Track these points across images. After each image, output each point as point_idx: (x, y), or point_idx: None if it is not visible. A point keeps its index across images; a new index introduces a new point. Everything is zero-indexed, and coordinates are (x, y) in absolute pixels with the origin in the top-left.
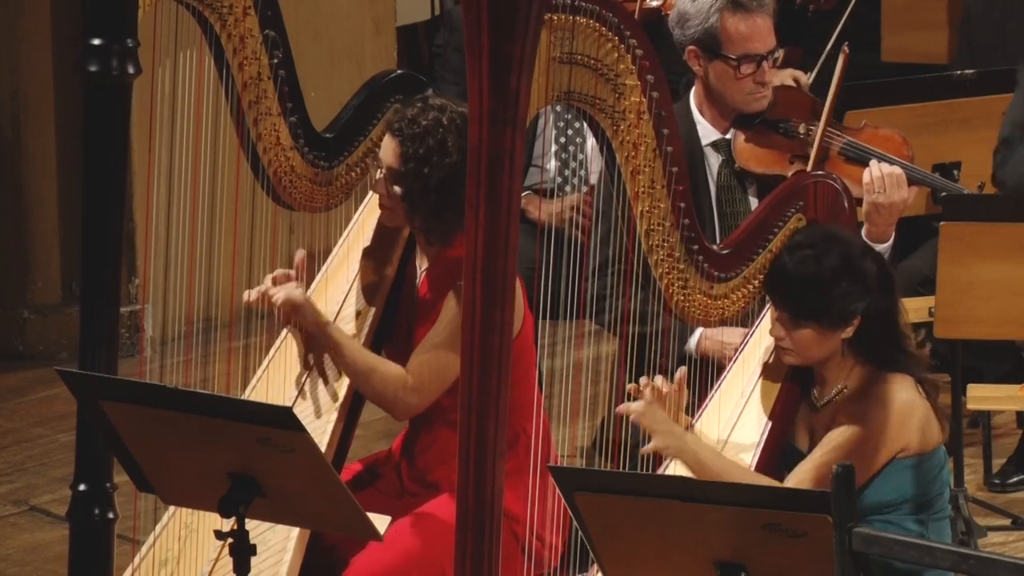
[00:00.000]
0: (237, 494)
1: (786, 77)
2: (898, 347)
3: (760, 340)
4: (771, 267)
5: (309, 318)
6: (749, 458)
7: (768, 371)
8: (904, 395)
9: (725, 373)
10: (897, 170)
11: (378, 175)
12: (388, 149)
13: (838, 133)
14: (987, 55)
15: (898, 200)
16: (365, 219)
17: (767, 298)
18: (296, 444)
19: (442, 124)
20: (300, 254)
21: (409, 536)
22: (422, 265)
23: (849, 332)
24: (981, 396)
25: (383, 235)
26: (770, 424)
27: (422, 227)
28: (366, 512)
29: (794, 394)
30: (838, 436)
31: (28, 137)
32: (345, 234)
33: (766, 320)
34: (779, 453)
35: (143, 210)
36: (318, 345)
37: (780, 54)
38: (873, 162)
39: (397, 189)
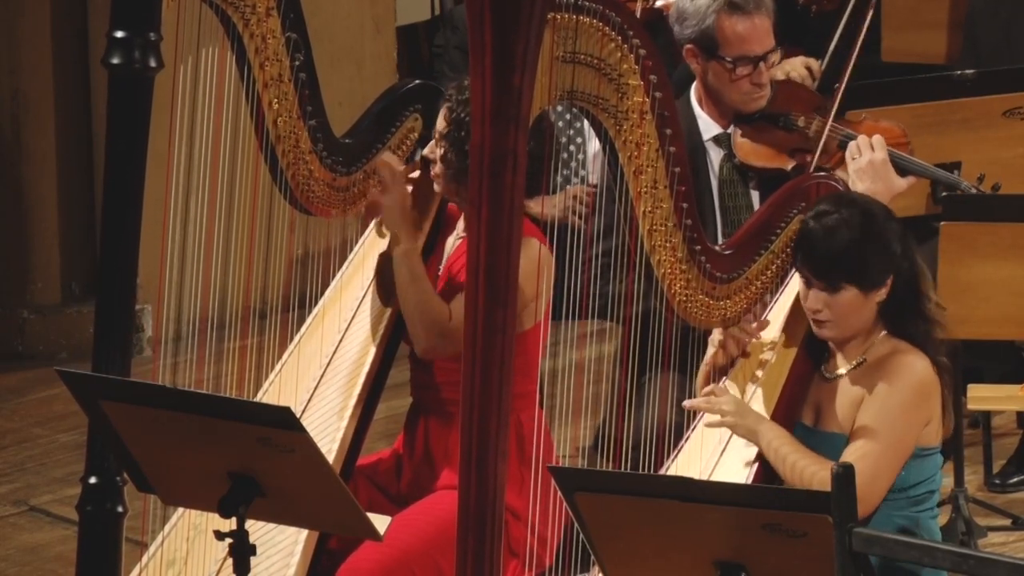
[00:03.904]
0: (237, 494)
1: (797, 65)
2: (922, 317)
3: (772, 322)
4: (800, 238)
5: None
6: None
7: (781, 353)
8: (923, 370)
9: (737, 359)
10: (877, 136)
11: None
12: (440, 115)
13: (837, 125)
14: (991, 56)
15: (875, 159)
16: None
17: (769, 294)
18: (296, 444)
19: None
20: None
21: (403, 532)
22: (462, 230)
23: (883, 293)
24: (981, 396)
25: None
26: (777, 408)
27: (460, 193)
28: (366, 512)
29: (806, 376)
30: (870, 424)
31: (28, 137)
32: (361, 241)
33: (778, 304)
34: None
35: (147, 208)
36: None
37: (777, 54)
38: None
39: (441, 152)
